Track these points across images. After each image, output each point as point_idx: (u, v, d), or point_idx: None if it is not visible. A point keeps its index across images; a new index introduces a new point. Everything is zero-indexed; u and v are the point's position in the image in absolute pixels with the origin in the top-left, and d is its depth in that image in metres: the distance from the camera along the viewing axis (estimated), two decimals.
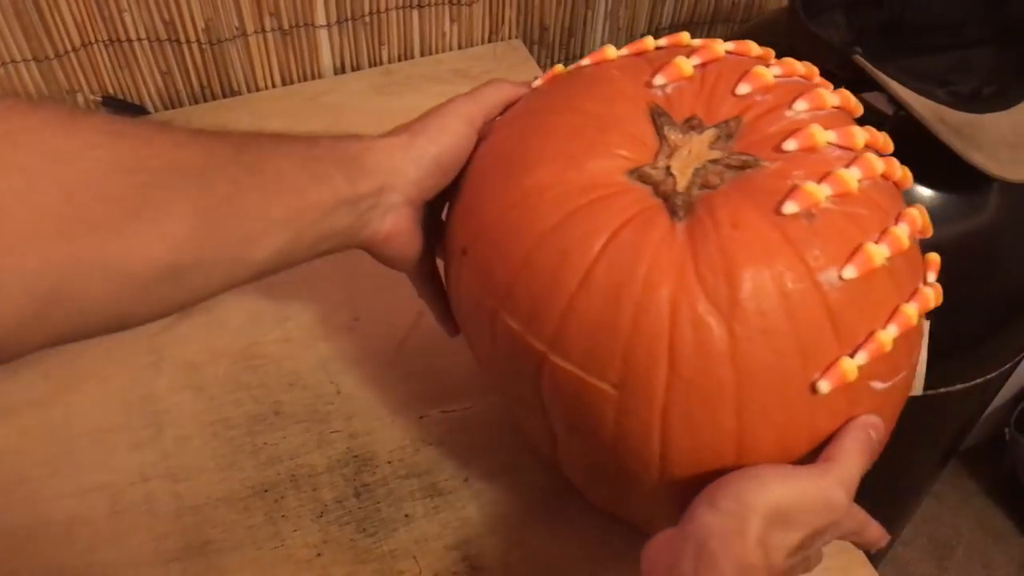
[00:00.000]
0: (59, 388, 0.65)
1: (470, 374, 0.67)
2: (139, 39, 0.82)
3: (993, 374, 0.82)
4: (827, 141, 0.46)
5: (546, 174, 0.47)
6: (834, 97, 0.49)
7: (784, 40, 0.81)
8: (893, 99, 0.66)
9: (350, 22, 0.89)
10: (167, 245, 0.41)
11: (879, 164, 0.46)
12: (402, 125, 0.52)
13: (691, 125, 0.48)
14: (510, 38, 0.97)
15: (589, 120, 0.48)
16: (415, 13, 0.91)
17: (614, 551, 0.58)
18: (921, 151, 0.68)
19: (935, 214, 0.72)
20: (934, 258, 0.49)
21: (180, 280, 0.42)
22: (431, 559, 0.58)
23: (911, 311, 0.45)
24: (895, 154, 0.49)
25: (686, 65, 0.49)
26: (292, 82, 0.91)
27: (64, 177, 0.39)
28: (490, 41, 0.96)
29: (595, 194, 0.46)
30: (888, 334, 0.44)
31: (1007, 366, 0.84)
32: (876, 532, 0.48)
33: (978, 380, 0.81)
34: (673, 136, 0.48)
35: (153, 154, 0.41)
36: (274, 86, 0.90)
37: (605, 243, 0.44)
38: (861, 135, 0.47)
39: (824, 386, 0.43)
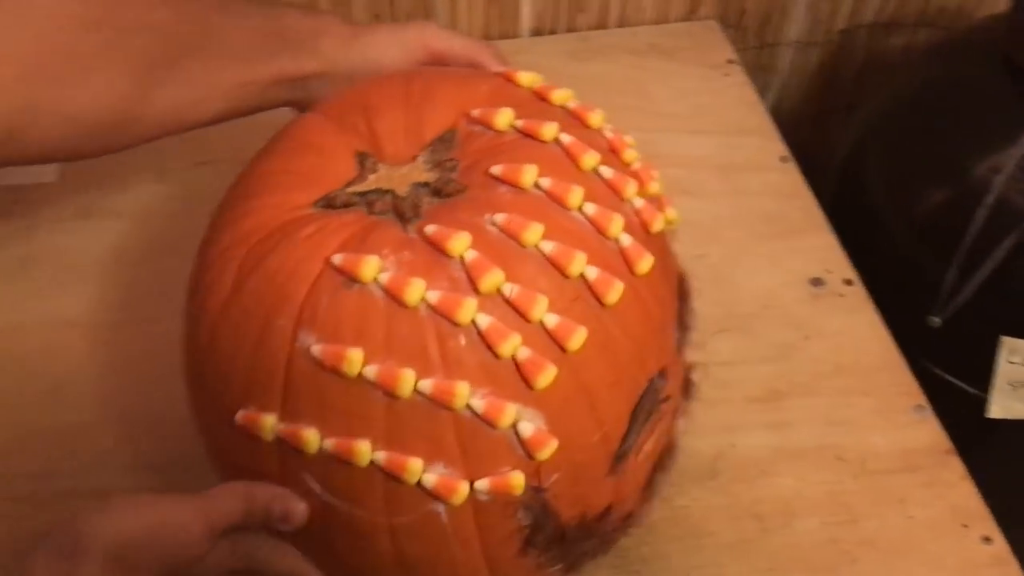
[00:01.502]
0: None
1: None
2: None
3: None
4: (461, 254, 0.41)
5: (312, 134, 0.49)
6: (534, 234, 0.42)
7: (1001, 45, 0.78)
8: None
9: None
10: (114, 99, 0.47)
11: (506, 341, 0.40)
12: (361, 24, 0.56)
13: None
14: (707, 18, 0.97)
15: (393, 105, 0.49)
16: None
17: None
18: None
19: None
20: (543, 466, 0.42)
21: (125, 129, 0.49)
22: None
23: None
24: None
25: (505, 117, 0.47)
26: (490, 39, 0.93)
27: (32, 28, 0.44)
28: (687, 19, 0.96)
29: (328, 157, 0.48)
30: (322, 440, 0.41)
31: None
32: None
33: None
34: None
35: (123, 13, 0.47)
36: None
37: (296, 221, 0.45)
38: (540, 307, 0.41)
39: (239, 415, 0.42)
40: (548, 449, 0.41)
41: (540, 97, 0.50)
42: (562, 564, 0.48)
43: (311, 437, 0.41)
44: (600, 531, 0.48)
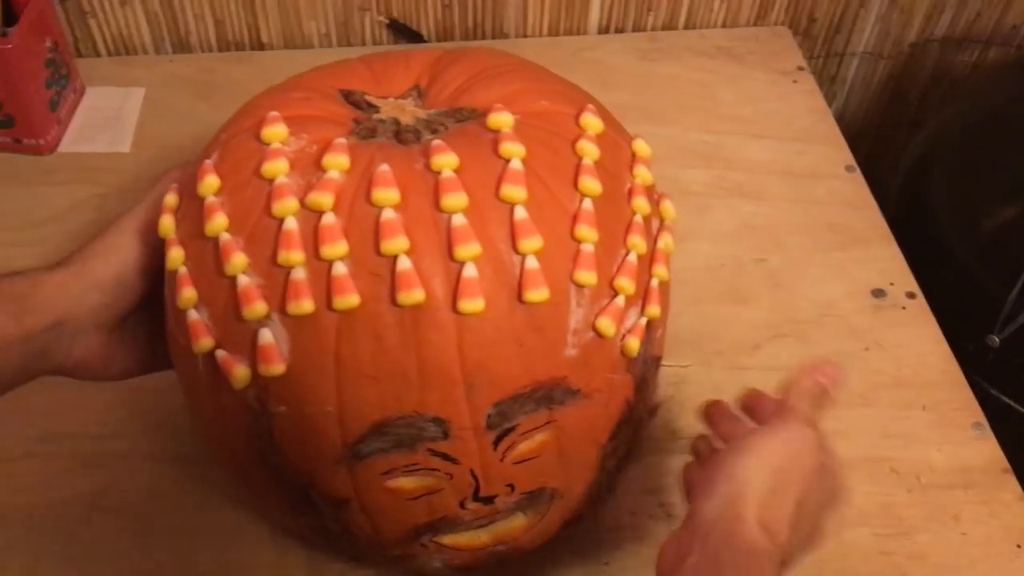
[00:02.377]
0: None
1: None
2: None
3: None
4: (327, 169, 0.43)
5: (415, 53, 0.54)
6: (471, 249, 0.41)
7: None
8: None
9: None
10: None
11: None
12: (76, 250, 0.49)
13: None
14: (777, 24, 0.96)
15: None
16: None
17: None
18: None
19: None
20: None
21: None
22: (628, 498, 0.60)
23: None
24: None
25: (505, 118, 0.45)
26: (558, 34, 0.94)
27: None
28: (756, 24, 0.96)
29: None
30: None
31: None
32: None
33: None
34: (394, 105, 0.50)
35: None
36: (540, 35, 0.94)
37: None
38: (334, 250, 0.41)
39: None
40: (272, 368, 0.42)
41: (573, 136, 0.47)
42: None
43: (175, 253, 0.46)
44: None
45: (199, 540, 0.58)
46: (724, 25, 0.96)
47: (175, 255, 0.45)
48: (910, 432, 0.64)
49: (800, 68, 0.91)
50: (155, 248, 0.48)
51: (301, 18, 0.89)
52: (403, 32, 0.91)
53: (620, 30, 0.95)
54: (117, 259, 0.48)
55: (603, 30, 0.95)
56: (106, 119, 0.83)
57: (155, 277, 0.49)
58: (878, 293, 0.73)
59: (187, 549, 0.57)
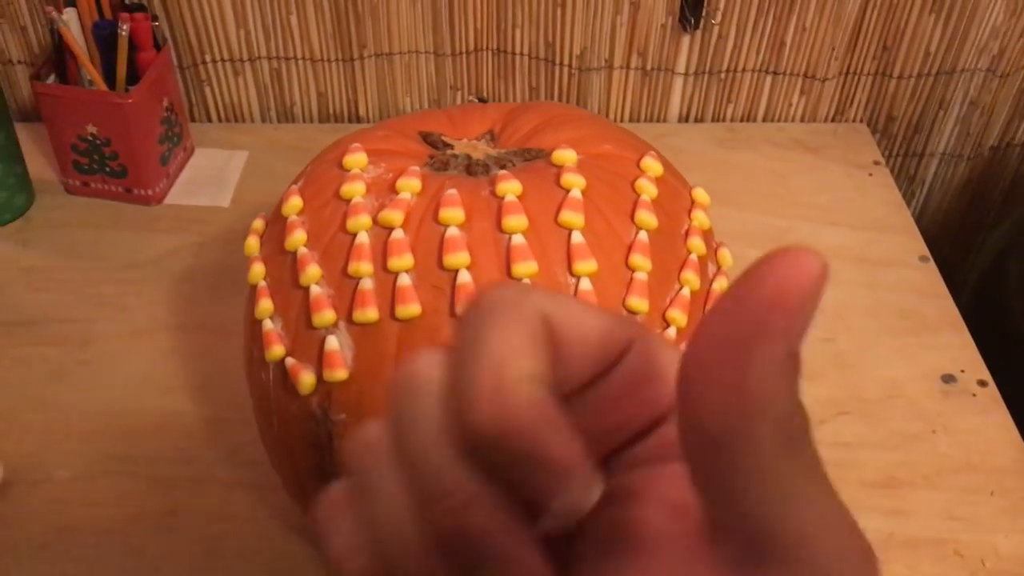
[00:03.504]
0: None
1: None
2: (521, 53, 0.92)
3: None
4: (399, 191, 0.46)
5: (491, 106, 0.57)
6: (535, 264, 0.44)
7: None
8: None
9: (706, 75, 0.95)
10: None
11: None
12: None
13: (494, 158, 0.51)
14: (855, 121, 0.98)
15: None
16: (768, 79, 0.95)
17: None
18: None
19: None
20: None
21: None
22: None
23: None
24: None
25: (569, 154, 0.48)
26: (639, 120, 0.98)
27: None
28: (835, 120, 0.98)
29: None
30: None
31: None
32: None
33: None
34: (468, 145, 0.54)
35: None
36: (622, 120, 0.98)
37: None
38: (401, 262, 0.44)
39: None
40: (336, 374, 0.44)
41: (633, 176, 0.49)
42: None
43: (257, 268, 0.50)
44: None
45: (257, 564, 0.59)
46: (802, 119, 0.98)
47: (256, 270, 0.49)
48: (976, 516, 0.63)
49: (876, 163, 0.92)
50: None
51: (397, 94, 0.95)
52: None
53: (699, 119, 0.98)
54: None
55: (683, 118, 0.98)
56: (210, 176, 0.89)
57: None
58: (948, 379, 0.72)
59: (244, 572, 0.59)
